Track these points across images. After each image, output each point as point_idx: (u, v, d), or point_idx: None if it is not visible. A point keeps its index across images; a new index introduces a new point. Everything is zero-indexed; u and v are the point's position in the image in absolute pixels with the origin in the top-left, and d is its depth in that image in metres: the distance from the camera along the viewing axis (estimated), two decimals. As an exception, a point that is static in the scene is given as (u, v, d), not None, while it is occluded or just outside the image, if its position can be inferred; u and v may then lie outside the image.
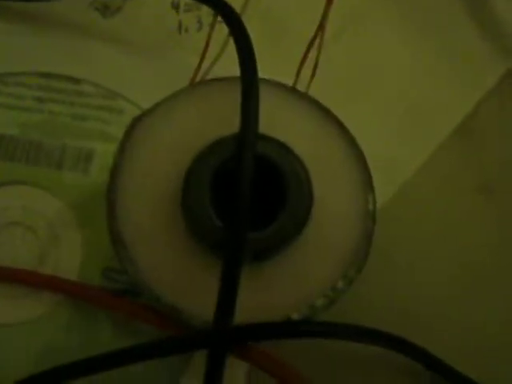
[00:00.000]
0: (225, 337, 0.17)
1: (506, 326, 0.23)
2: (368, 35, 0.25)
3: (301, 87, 0.22)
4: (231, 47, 0.21)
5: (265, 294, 0.19)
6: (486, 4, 0.25)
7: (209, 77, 0.22)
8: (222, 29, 0.21)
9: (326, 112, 0.20)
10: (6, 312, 0.22)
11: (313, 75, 0.22)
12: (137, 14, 0.25)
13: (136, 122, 0.20)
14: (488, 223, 0.23)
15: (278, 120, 0.20)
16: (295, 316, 0.19)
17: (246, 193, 0.17)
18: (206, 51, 0.22)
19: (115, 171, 0.19)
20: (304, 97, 0.20)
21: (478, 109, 0.24)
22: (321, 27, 0.20)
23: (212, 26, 0.22)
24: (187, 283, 0.19)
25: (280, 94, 0.20)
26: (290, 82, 0.21)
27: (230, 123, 0.19)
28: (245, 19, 0.20)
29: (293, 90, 0.21)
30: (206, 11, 0.25)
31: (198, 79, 0.22)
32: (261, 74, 0.20)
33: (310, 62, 0.22)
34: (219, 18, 0.21)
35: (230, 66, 0.20)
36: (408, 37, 0.25)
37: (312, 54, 0.21)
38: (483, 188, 0.24)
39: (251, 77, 0.19)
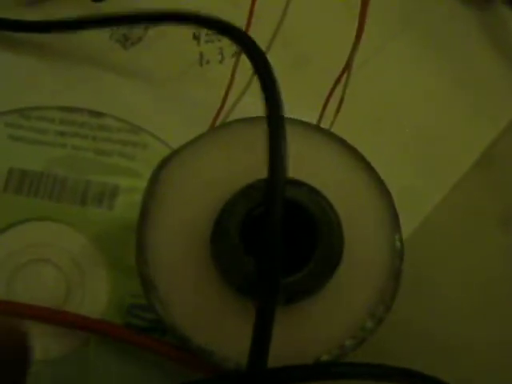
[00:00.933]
0: (258, 381, 0.18)
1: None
2: (390, 69, 0.25)
3: (324, 123, 0.22)
4: (256, 79, 0.21)
5: (295, 336, 0.19)
6: (507, 32, 0.26)
7: (234, 111, 0.22)
8: (246, 61, 0.21)
9: (352, 151, 0.20)
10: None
11: (337, 111, 0.22)
12: (157, 45, 0.25)
13: (164, 164, 0.20)
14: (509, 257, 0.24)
15: (304, 161, 0.20)
16: (325, 357, 0.19)
17: (278, 238, 0.17)
18: (232, 85, 0.22)
19: (144, 215, 0.19)
20: (330, 136, 0.20)
21: (499, 140, 0.24)
22: (348, 63, 0.20)
23: (237, 58, 0.22)
24: (218, 326, 0.19)
25: (306, 134, 0.20)
26: (313, 118, 0.21)
27: (258, 166, 0.19)
28: (271, 54, 0.20)
29: (318, 128, 0.21)
30: (227, 42, 0.24)
31: (223, 113, 0.22)
32: (286, 108, 0.20)
33: (334, 98, 0.22)
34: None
35: (255, 97, 0.20)
36: (430, 68, 0.25)
37: (337, 90, 0.21)
38: (506, 220, 0.24)
39: (277, 118, 0.19)
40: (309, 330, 0.19)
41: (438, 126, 0.25)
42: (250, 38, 0.20)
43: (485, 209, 0.24)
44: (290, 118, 0.20)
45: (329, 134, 0.20)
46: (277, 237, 0.17)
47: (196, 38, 0.25)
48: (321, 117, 0.22)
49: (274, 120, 0.19)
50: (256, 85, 0.21)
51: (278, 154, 0.18)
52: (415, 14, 0.26)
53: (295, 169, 0.19)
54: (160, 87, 0.24)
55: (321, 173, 0.20)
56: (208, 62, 0.25)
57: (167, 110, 0.24)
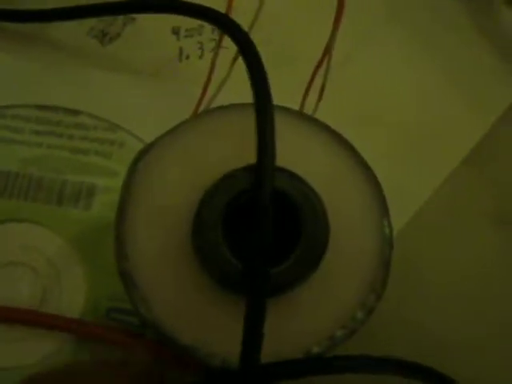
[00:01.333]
0: (253, 376, 0.17)
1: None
2: (375, 59, 0.24)
3: (307, 112, 0.21)
4: (235, 74, 0.20)
5: (283, 328, 0.18)
6: (497, 25, 0.25)
7: (213, 105, 0.22)
8: (225, 55, 0.20)
9: (337, 137, 0.20)
10: (7, 355, 0.21)
11: (319, 99, 0.21)
12: (136, 40, 0.24)
13: (140, 156, 0.19)
14: (504, 253, 0.23)
15: (287, 148, 0.19)
16: (315, 349, 0.18)
17: (268, 226, 0.17)
18: (210, 79, 0.21)
19: (122, 210, 0.18)
20: (313, 121, 0.20)
21: (488, 136, 0.24)
22: (327, 51, 0.20)
23: (215, 53, 0.21)
24: (201, 321, 0.18)
25: (288, 120, 0.20)
26: (295, 107, 0.21)
27: (237, 154, 0.18)
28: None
29: (301, 114, 0.20)
30: (207, 37, 0.24)
31: (201, 108, 0.21)
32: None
33: (316, 87, 0.21)
34: (222, 44, 0.20)
35: (234, 93, 0.20)
36: (416, 60, 0.24)
37: (318, 79, 0.21)
38: (497, 216, 0.23)
39: (264, 94, 0.18)
40: (297, 322, 0.18)
41: (426, 120, 0.24)
42: (232, 21, 0.20)
43: (475, 205, 0.24)
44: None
45: (312, 120, 0.20)
46: (267, 224, 0.17)
47: (175, 32, 0.25)
48: (302, 105, 0.21)
49: (262, 92, 0.18)
50: (234, 79, 0.20)
51: (266, 134, 0.18)
52: (401, 5, 0.26)
53: (278, 155, 0.18)
54: (138, 84, 0.24)
55: (304, 159, 0.19)
56: (188, 57, 0.24)
57: (145, 106, 0.23)
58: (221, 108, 0.20)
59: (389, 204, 0.20)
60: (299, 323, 0.18)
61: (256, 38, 0.20)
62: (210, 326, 0.18)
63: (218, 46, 0.21)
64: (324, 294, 0.18)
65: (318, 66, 0.20)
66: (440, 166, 0.24)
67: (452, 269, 0.23)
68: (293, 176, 0.18)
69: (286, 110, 0.20)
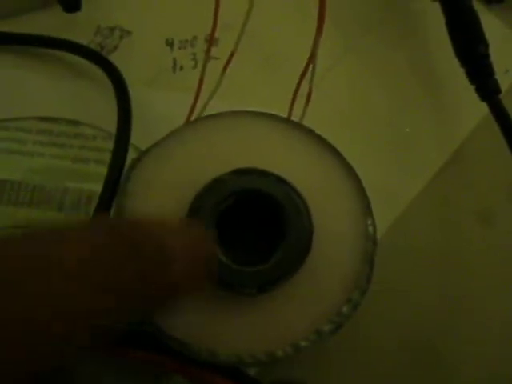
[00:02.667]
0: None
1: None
2: (360, 65, 0.25)
3: (295, 118, 0.22)
4: (226, 83, 0.21)
5: (270, 324, 0.19)
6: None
7: (205, 113, 0.23)
8: (217, 65, 0.21)
9: (321, 140, 0.20)
10: None
11: (306, 104, 0.22)
12: (132, 52, 0.25)
13: (135, 163, 0.20)
14: (488, 251, 0.24)
15: (274, 152, 0.20)
16: (303, 343, 0.19)
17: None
18: (200, 89, 0.22)
19: (118, 214, 0.19)
20: (299, 127, 0.21)
21: (470, 137, 0.25)
22: (312, 57, 0.21)
23: (204, 64, 0.22)
24: (195, 317, 0.19)
25: (275, 126, 0.21)
26: (284, 114, 0.22)
27: (227, 159, 0.19)
28: (238, 55, 0.21)
29: (287, 120, 0.21)
30: (200, 48, 0.25)
31: (193, 116, 0.22)
32: (256, 107, 0.20)
33: (303, 93, 0.22)
34: (213, 54, 0.21)
35: (224, 101, 0.21)
36: (401, 66, 0.25)
37: (305, 85, 0.22)
38: (484, 214, 0.24)
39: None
40: (284, 317, 0.19)
41: (411, 122, 0.25)
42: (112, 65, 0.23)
43: (461, 204, 0.24)
44: (257, 112, 0.21)
45: (296, 125, 0.21)
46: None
47: (169, 44, 0.26)
48: (290, 111, 0.22)
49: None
50: (224, 88, 0.21)
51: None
52: (382, 13, 0.26)
53: (263, 159, 0.20)
54: (134, 94, 0.25)
55: (290, 163, 0.20)
56: (182, 69, 0.25)
57: (141, 116, 0.24)
58: (209, 117, 0.21)
59: (374, 204, 0.21)
60: (286, 319, 0.19)
61: (243, 48, 0.21)
62: (203, 322, 0.19)
63: (208, 56, 0.21)
64: (310, 291, 0.19)
65: (303, 72, 0.21)
66: (424, 167, 0.25)
67: (438, 266, 0.24)
68: (278, 179, 0.19)
69: (274, 117, 0.21)
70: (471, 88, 0.23)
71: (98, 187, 0.23)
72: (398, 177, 0.24)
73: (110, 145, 0.24)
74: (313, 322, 0.19)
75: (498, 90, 0.23)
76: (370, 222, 0.20)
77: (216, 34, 0.21)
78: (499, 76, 0.23)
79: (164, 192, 0.20)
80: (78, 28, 0.25)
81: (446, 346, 0.23)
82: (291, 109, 0.22)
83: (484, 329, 0.23)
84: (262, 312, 0.19)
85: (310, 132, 0.21)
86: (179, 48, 0.26)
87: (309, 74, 0.21)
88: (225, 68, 0.22)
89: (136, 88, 0.24)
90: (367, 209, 0.20)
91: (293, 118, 0.22)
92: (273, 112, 0.21)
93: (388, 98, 0.25)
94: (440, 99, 0.25)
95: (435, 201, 0.24)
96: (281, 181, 0.19)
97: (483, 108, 0.23)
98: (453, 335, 0.23)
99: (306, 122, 0.22)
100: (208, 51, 0.21)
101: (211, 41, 0.21)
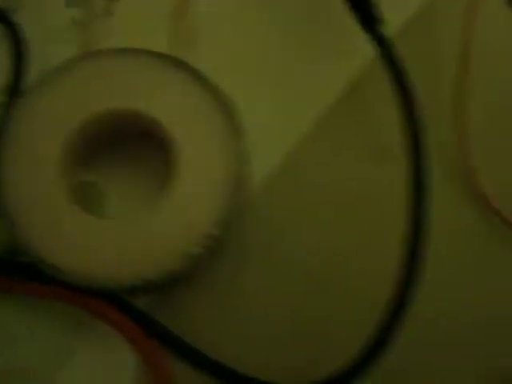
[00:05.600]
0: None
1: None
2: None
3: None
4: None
5: (143, 248, 0.20)
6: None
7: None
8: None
9: (193, 72, 0.21)
10: None
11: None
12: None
13: (15, 103, 0.21)
14: (385, 188, 0.23)
15: (146, 87, 0.21)
16: (174, 267, 0.20)
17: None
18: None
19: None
20: (172, 60, 0.22)
21: (361, 74, 0.24)
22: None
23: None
24: (67, 241, 0.20)
25: (148, 62, 0.22)
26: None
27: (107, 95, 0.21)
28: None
29: (161, 55, 0.22)
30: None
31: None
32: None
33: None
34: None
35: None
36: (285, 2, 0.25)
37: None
38: (377, 152, 0.23)
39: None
40: (152, 241, 0.20)
41: (296, 63, 0.25)
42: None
43: (355, 142, 0.24)
44: (129, 49, 0.22)
45: (170, 59, 0.22)
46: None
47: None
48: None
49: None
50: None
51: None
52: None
53: (135, 94, 0.21)
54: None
55: (162, 93, 0.21)
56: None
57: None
58: (89, 54, 0.22)
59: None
60: (158, 243, 0.20)
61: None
62: (75, 247, 0.20)
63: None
64: (178, 213, 0.20)
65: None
66: (311, 107, 0.24)
67: (331, 207, 0.23)
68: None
69: (147, 53, 0.22)
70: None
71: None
72: (287, 114, 0.24)
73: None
74: (183, 245, 0.20)
75: (379, 21, 0.23)
76: (241, 144, 0.21)
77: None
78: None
79: (43, 127, 0.21)
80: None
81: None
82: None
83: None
84: (133, 236, 0.20)
85: (182, 64, 0.21)
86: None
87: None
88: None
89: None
90: (237, 133, 0.21)
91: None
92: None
93: (276, 34, 0.25)
94: (331, 36, 0.25)
95: (327, 140, 0.24)
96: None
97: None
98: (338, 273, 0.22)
99: (191, 61, 0.22)
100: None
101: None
